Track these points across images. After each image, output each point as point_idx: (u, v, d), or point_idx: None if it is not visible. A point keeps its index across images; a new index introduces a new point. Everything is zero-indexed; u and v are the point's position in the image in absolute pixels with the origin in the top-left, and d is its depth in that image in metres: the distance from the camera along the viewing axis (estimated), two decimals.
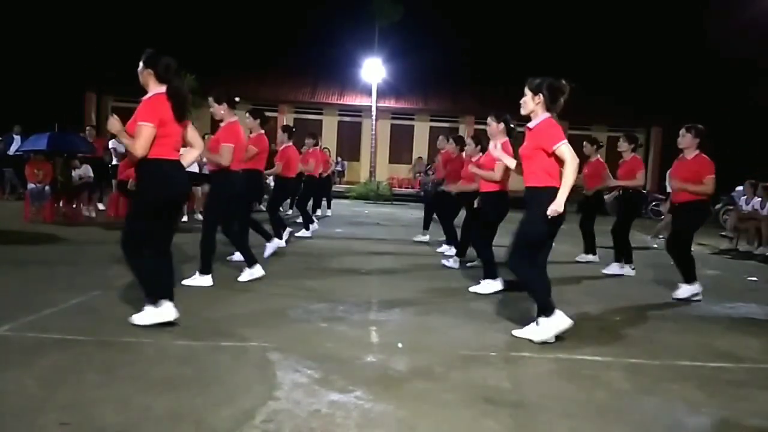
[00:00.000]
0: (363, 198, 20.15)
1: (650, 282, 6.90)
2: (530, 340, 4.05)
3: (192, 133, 4.11)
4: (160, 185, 3.80)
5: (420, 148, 25.36)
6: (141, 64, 3.91)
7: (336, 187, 18.36)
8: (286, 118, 23.44)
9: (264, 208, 9.41)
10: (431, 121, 25.69)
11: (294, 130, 8.46)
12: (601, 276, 7.10)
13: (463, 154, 7.67)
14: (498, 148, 4.85)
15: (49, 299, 4.47)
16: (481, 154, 6.86)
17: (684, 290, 5.82)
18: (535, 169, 4.00)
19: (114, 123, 3.89)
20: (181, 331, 3.87)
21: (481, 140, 6.95)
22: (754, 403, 3.26)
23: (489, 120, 5.82)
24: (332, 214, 13.25)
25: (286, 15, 26.84)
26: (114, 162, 11.52)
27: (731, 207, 12.45)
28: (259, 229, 6.94)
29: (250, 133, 6.54)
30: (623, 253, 7.23)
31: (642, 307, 5.51)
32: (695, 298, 5.80)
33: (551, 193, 3.91)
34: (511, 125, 5.77)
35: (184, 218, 9.52)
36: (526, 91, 4.04)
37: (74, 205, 10.25)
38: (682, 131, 5.76)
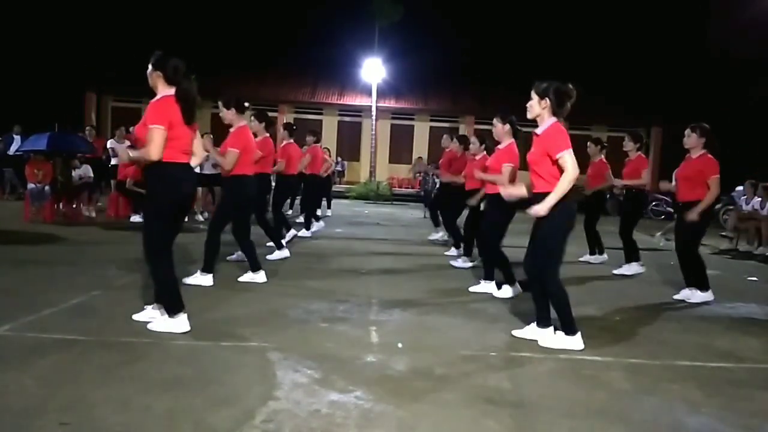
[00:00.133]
0: (363, 198, 20.14)
1: (650, 282, 6.90)
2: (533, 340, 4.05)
3: (195, 141, 4.10)
4: (171, 189, 3.77)
5: (420, 148, 25.35)
6: (150, 66, 3.86)
7: (336, 187, 18.35)
8: (286, 118, 23.39)
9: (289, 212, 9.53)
10: (431, 121, 25.69)
11: (295, 128, 8.48)
12: (602, 276, 7.10)
13: (467, 153, 7.67)
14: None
15: (49, 299, 4.47)
16: (484, 152, 6.86)
17: (696, 297, 5.79)
18: (544, 175, 3.96)
19: (123, 153, 3.90)
20: None
21: (485, 139, 6.96)
22: (754, 403, 3.26)
23: (495, 121, 5.79)
24: (332, 214, 13.24)
25: (286, 15, 26.85)
26: (113, 162, 11.51)
27: (731, 207, 12.45)
28: (274, 235, 6.95)
29: (255, 136, 6.54)
30: (634, 252, 7.21)
31: (642, 307, 5.51)
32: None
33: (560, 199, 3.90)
34: (517, 126, 5.75)
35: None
36: (533, 94, 4.01)
37: (74, 205, 10.25)
38: (688, 131, 5.72)
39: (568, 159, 3.82)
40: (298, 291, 5.37)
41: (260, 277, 5.58)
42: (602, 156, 7.98)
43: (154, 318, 3.96)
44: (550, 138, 3.90)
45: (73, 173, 10.32)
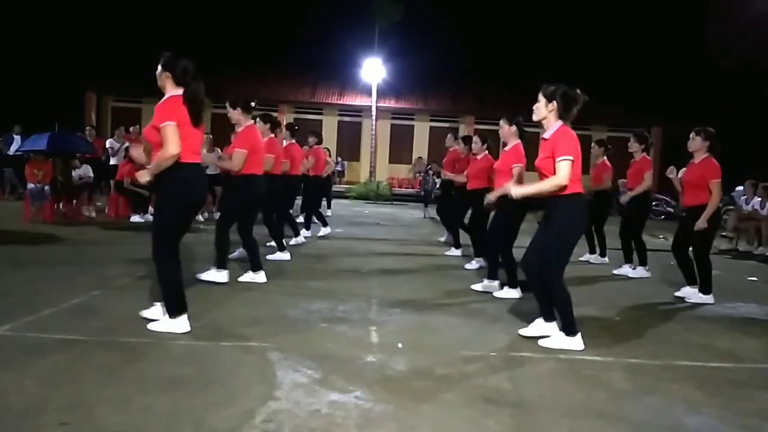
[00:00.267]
0: (363, 198, 20.15)
1: (651, 282, 6.90)
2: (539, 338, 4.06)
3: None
4: (182, 190, 3.77)
5: (420, 148, 25.38)
6: (159, 66, 3.85)
7: (336, 187, 18.36)
8: (286, 118, 23.40)
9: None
10: (431, 121, 25.70)
11: (297, 128, 8.51)
12: (602, 276, 7.10)
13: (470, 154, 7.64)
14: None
15: (49, 299, 4.47)
16: (486, 152, 6.85)
17: (696, 297, 5.79)
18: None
19: (144, 176, 3.81)
20: None
21: (487, 139, 6.95)
22: (754, 403, 3.26)
23: (501, 122, 5.77)
24: (332, 214, 13.24)
25: (286, 15, 26.86)
26: (113, 162, 11.52)
27: (731, 207, 12.45)
28: (277, 235, 6.92)
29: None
30: (642, 255, 7.21)
31: (642, 307, 5.51)
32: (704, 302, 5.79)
33: (573, 199, 3.89)
34: (524, 128, 5.72)
35: None
36: (540, 97, 3.99)
37: (74, 205, 10.25)
38: (692, 134, 5.70)
39: (564, 166, 3.80)
40: (298, 291, 5.37)
41: (260, 277, 5.58)
42: (605, 158, 7.95)
43: (159, 318, 3.96)
44: (558, 141, 3.88)
45: (73, 173, 10.32)
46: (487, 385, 3.28)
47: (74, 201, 10.25)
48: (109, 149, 11.93)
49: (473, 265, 7.00)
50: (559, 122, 3.95)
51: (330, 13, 25.95)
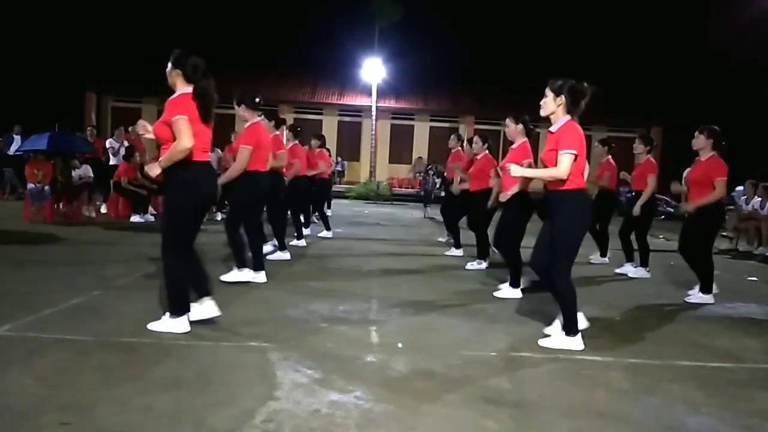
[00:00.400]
0: (363, 198, 20.15)
1: (651, 282, 6.90)
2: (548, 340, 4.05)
3: None
4: (192, 188, 3.76)
5: (420, 148, 25.38)
6: (169, 64, 3.84)
7: (336, 187, 18.37)
8: (286, 119, 23.45)
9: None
10: (431, 121, 25.71)
11: (300, 129, 8.52)
12: (602, 276, 7.10)
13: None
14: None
15: (49, 299, 4.47)
16: (487, 152, 6.84)
17: (696, 297, 5.80)
18: None
19: (155, 170, 3.79)
20: None
21: (488, 139, 6.94)
22: (754, 403, 3.26)
23: (507, 121, 5.77)
24: (332, 214, 13.23)
25: (286, 15, 26.85)
26: (112, 162, 11.52)
27: (731, 207, 12.45)
28: (280, 234, 6.90)
29: None
30: (646, 255, 7.18)
31: (642, 307, 5.51)
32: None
33: (576, 195, 3.88)
34: (530, 126, 5.72)
35: None
36: (548, 92, 3.98)
37: (74, 205, 10.25)
38: (696, 132, 5.70)
39: (566, 159, 3.80)
40: (298, 291, 5.36)
41: (261, 277, 5.57)
42: (609, 157, 7.93)
43: (200, 314, 4.01)
44: (563, 135, 3.88)
45: (73, 173, 10.32)
46: (487, 385, 3.28)
47: (74, 201, 10.26)
48: (109, 149, 11.92)
49: (474, 265, 6.99)
50: (567, 116, 3.95)
51: (330, 13, 25.97)
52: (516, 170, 4.12)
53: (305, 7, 26.45)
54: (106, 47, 23.87)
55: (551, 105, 3.97)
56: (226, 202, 9.72)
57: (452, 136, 9.21)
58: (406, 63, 23.60)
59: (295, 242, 8.03)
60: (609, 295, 5.95)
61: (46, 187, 9.74)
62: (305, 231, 9.18)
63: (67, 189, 10.13)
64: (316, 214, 9.95)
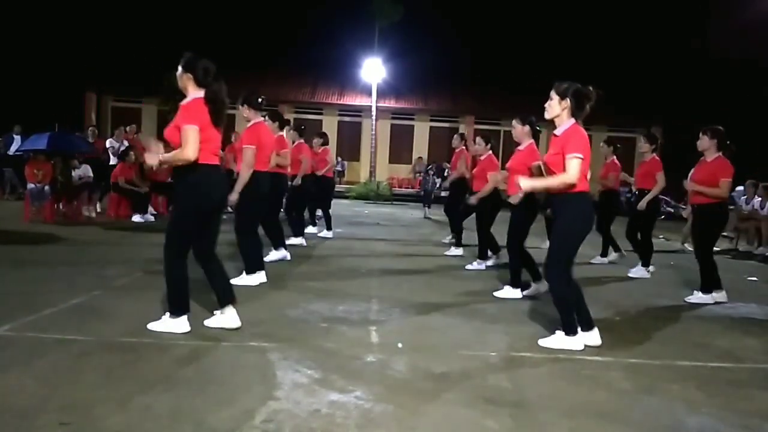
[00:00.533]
0: (363, 198, 20.14)
1: (651, 282, 6.90)
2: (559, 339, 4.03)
3: None
4: (203, 192, 3.77)
5: (420, 148, 25.38)
6: (180, 68, 3.84)
7: (336, 187, 18.29)
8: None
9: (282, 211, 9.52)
10: (431, 121, 25.71)
11: (304, 128, 8.52)
12: (602, 276, 7.09)
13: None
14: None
15: (49, 299, 4.47)
16: (490, 152, 6.83)
17: (696, 297, 5.80)
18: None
19: (153, 158, 3.75)
20: None
21: (491, 139, 6.94)
22: (754, 403, 3.26)
23: (514, 122, 5.77)
24: (332, 214, 13.21)
25: (286, 15, 26.85)
26: (112, 162, 11.51)
27: (731, 207, 12.44)
28: (277, 235, 6.82)
29: None
30: (648, 255, 7.19)
31: (642, 307, 5.51)
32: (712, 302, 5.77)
33: (580, 198, 3.88)
34: (537, 128, 5.70)
35: None
36: (553, 94, 3.98)
37: (74, 205, 10.25)
38: (700, 134, 5.70)
39: (575, 164, 3.80)
40: (298, 291, 5.37)
41: (257, 278, 5.56)
42: (614, 157, 7.92)
43: (222, 323, 3.99)
44: (569, 138, 3.87)
45: (73, 173, 10.32)
46: (487, 385, 3.28)
47: (74, 201, 10.26)
48: (110, 149, 11.92)
49: (474, 265, 6.99)
50: (572, 120, 3.95)
51: (330, 13, 25.97)
52: (526, 183, 4.05)
53: (305, 7, 26.46)
54: (106, 47, 23.86)
55: (556, 108, 3.97)
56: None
57: (455, 136, 9.25)
58: (406, 63, 23.60)
59: (293, 240, 7.99)
60: (609, 295, 5.95)
61: (46, 187, 9.73)
62: (312, 229, 9.17)
63: (67, 189, 10.12)
64: (319, 213, 9.93)
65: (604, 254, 8.08)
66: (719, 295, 5.78)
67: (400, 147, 25.59)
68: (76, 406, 2.71)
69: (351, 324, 4.37)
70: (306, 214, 9.01)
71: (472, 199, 6.63)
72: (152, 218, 10.27)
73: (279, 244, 6.81)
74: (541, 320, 4.60)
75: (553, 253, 3.98)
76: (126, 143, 11.75)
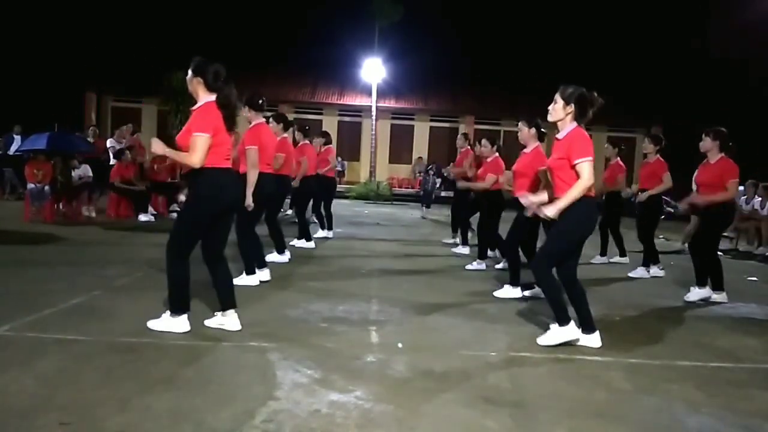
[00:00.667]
0: (363, 198, 20.14)
1: (651, 282, 6.90)
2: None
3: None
4: (214, 195, 3.78)
5: (420, 148, 25.37)
6: (190, 72, 3.85)
7: (337, 187, 18.31)
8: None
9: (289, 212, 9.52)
10: (431, 121, 25.69)
11: (308, 128, 8.52)
12: (602, 276, 7.09)
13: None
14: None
15: (49, 299, 4.47)
16: (496, 154, 6.83)
17: (695, 294, 5.79)
18: (566, 179, 3.92)
19: (158, 146, 3.74)
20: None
21: (496, 141, 6.95)
22: (754, 403, 3.26)
23: (520, 125, 5.75)
24: (332, 214, 13.22)
25: (286, 15, 26.84)
26: (112, 162, 11.51)
27: None
28: (278, 237, 6.75)
29: None
30: (652, 255, 7.18)
31: (642, 307, 5.51)
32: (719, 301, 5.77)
33: (584, 202, 3.88)
34: (543, 130, 5.68)
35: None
36: (557, 98, 3.98)
37: (74, 205, 10.25)
38: (703, 135, 5.69)
39: (586, 167, 3.81)
40: (298, 291, 5.37)
41: (257, 278, 5.57)
42: (618, 158, 7.91)
43: (222, 324, 4.00)
44: (573, 143, 3.88)
45: (73, 173, 10.32)
46: (487, 385, 3.28)
47: (74, 201, 10.26)
48: (110, 149, 11.91)
49: (474, 265, 6.99)
50: (574, 124, 3.96)
51: (330, 13, 25.94)
52: (552, 210, 3.89)
53: (305, 7, 26.44)
54: (106, 47, 23.85)
55: (560, 112, 3.98)
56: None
57: (460, 136, 9.29)
58: (406, 63, 23.58)
59: (299, 243, 7.96)
60: (609, 295, 5.95)
61: (46, 187, 9.73)
62: (323, 234, 9.10)
63: (67, 189, 10.12)
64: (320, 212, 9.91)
65: (603, 253, 8.08)
66: (720, 296, 5.78)
67: (400, 147, 25.58)
68: (76, 406, 2.71)
69: (351, 324, 4.37)
70: (308, 215, 8.97)
71: (460, 184, 6.66)
72: (152, 218, 10.27)
73: (281, 247, 6.77)
74: (541, 320, 4.60)
75: (546, 245, 4.04)
76: (123, 142, 11.73)
